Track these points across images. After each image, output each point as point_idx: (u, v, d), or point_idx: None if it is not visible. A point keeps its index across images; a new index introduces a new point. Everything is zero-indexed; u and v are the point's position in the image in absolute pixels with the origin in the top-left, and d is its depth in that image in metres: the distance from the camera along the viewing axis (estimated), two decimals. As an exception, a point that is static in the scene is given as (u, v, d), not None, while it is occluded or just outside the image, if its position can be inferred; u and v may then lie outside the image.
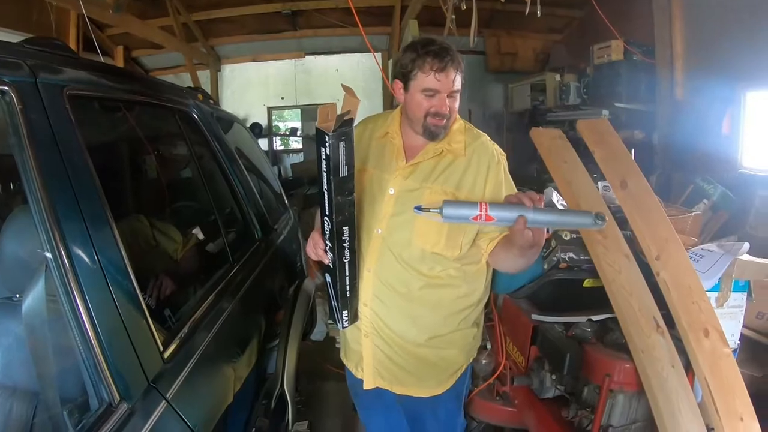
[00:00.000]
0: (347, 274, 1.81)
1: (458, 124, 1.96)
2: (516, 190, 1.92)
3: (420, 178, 1.91)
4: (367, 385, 2.08)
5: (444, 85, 1.79)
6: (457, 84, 1.81)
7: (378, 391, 2.08)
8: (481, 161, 1.91)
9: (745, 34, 4.53)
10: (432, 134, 1.87)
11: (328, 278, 1.86)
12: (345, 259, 1.77)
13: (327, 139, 1.54)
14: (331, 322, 4.70)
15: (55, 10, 5.79)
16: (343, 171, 1.61)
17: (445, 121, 1.84)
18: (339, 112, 1.59)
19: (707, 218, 3.66)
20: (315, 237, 1.84)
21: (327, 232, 1.74)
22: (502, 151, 2.02)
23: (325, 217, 1.70)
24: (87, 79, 1.65)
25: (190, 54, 8.28)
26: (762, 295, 2.94)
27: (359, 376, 2.12)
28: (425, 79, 1.79)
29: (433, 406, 2.12)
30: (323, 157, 1.58)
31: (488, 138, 2.01)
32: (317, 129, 1.58)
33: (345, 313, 1.91)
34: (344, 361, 2.24)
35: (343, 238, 1.72)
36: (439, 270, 1.92)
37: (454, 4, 4.85)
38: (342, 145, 1.57)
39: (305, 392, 3.53)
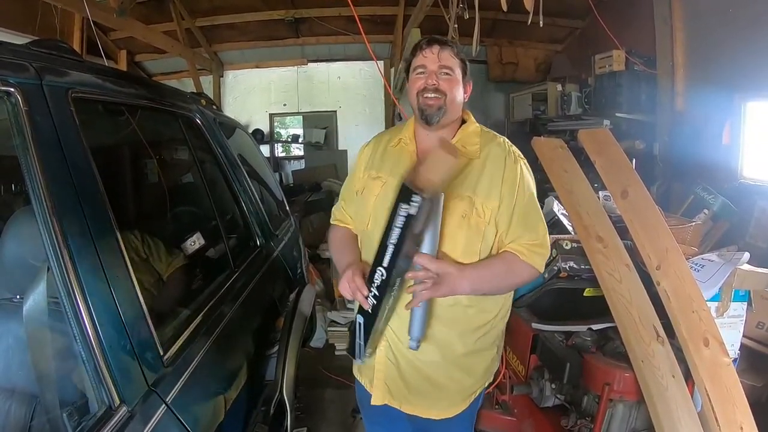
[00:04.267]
0: (384, 316, 1.78)
1: (474, 126, 1.96)
2: (534, 197, 1.91)
3: None
4: (375, 401, 2.02)
5: (430, 60, 1.83)
6: (445, 59, 1.83)
7: (386, 407, 2.02)
8: (497, 162, 1.86)
9: (745, 45, 4.54)
10: (426, 116, 1.85)
11: (360, 319, 1.79)
12: (387, 305, 1.73)
13: (416, 203, 1.49)
14: (342, 349, 4.70)
15: (60, 13, 5.81)
16: (417, 230, 1.57)
17: (437, 100, 1.82)
18: (437, 171, 1.54)
19: (708, 228, 3.66)
20: (357, 281, 1.74)
21: (377, 281, 1.67)
22: (520, 153, 1.95)
23: (380, 268, 1.64)
24: (92, 82, 1.66)
25: (193, 59, 8.29)
26: (762, 305, 2.95)
27: (369, 391, 2.05)
28: (416, 59, 1.87)
29: (443, 428, 2.03)
30: (402, 214, 1.52)
31: (506, 140, 1.96)
32: (403, 187, 1.53)
33: (369, 350, 1.87)
34: (357, 375, 2.16)
35: (393, 288, 1.68)
36: None
37: (457, 13, 4.86)
38: (427, 207, 1.52)
39: (304, 399, 3.53)
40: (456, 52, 1.85)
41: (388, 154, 2.01)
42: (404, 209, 1.51)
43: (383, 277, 1.65)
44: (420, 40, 1.89)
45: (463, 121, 1.99)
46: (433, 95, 1.83)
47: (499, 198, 1.82)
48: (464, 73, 1.88)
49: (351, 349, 1.87)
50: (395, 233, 1.56)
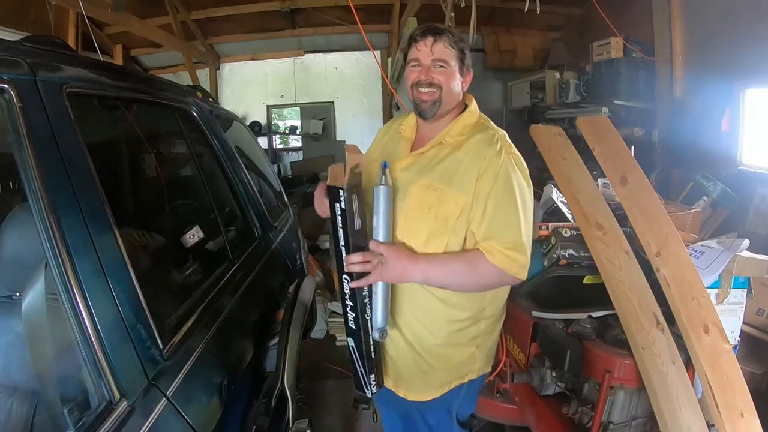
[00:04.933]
0: (371, 332, 1.78)
1: (470, 119, 1.92)
2: (516, 194, 1.78)
3: (416, 169, 1.88)
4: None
5: (424, 54, 1.82)
6: (439, 53, 1.81)
7: (383, 398, 2.10)
8: (477, 155, 1.79)
9: (744, 31, 4.53)
10: (420, 110, 1.88)
11: (351, 342, 1.79)
12: (367, 316, 1.74)
13: (341, 194, 1.59)
14: (342, 340, 4.69)
15: (54, 9, 5.78)
16: (358, 224, 1.66)
17: (431, 95, 1.83)
18: (347, 169, 1.64)
19: (707, 215, 3.66)
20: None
21: (347, 292, 1.69)
22: (511, 147, 1.87)
23: (344, 277, 1.68)
24: (86, 77, 1.66)
25: (189, 53, 8.27)
26: (762, 292, 2.95)
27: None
28: (411, 51, 1.86)
29: (421, 411, 2.06)
30: (338, 212, 1.61)
31: (499, 134, 1.88)
32: (329, 187, 1.62)
33: (372, 377, 1.83)
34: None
35: (364, 294, 1.70)
36: None
37: (453, 1, 4.84)
38: (355, 198, 1.63)
39: (306, 390, 3.53)
40: (453, 42, 1.81)
41: (390, 142, 2.07)
42: (337, 207, 1.61)
43: (349, 284, 1.68)
44: (415, 30, 1.86)
45: (465, 107, 1.96)
46: (427, 89, 1.83)
47: (473, 193, 1.76)
48: (462, 62, 1.85)
49: (357, 382, 1.86)
50: (341, 234, 1.65)
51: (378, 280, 1.70)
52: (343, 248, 1.66)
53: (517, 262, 1.76)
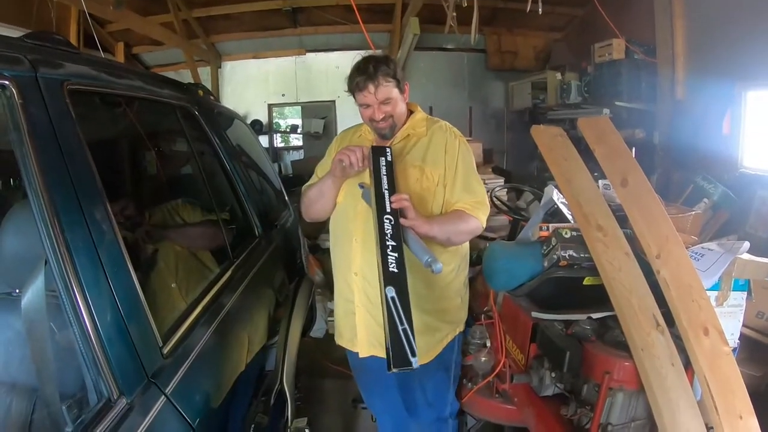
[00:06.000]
0: (407, 281, 1.86)
1: (421, 115, 2.40)
2: (472, 166, 2.34)
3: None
4: (363, 353, 2.32)
5: (370, 99, 2.18)
6: (382, 95, 2.16)
7: (377, 370, 2.21)
8: (439, 138, 2.31)
9: (745, 34, 4.54)
10: (382, 135, 2.30)
11: (392, 293, 1.79)
12: (404, 258, 1.88)
13: (388, 151, 2.13)
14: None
15: (56, 6, 5.78)
16: (392, 171, 2.09)
17: (386, 122, 2.24)
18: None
19: (708, 217, 3.67)
20: (364, 149, 2.15)
21: (389, 231, 1.91)
22: (460, 133, 2.40)
23: (386, 216, 1.94)
24: (87, 74, 1.66)
25: (191, 51, 8.27)
26: (762, 295, 2.95)
27: (355, 349, 2.37)
28: (356, 96, 2.22)
29: (420, 376, 2.29)
30: (383, 164, 2.08)
31: (447, 123, 2.41)
32: (376, 147, 2.16)
33: (414, 340, 1.74)
34: (339, 342, 2.49)
35: (400, 233, 1.93)
36: None
37: (456, 1, 4.84)
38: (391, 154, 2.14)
39: (305, 389, 3.53)
40: (388, 73, 2.15)
41: (357, 143, 2.32)
42: (383, 160, 2.09)
43: (392, 224, 1.93)
44: (354, 69, 2.20)
45: (411, 112, 2.38)
46: (382, 122, 2.23)
47: (444, 166, 2.26)
48: (399, 83, 2.21)
49: (397, 354, 1.71)
50: (385, 180, 2.03)
51: (417, 222, 2.00)
52: (386, 191, 2.00)
53: (484, 214, 2.28)
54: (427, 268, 1.81)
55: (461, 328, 2.53)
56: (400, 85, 2.22)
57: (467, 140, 2.47)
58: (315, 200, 2.39)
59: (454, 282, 2.41)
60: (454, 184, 2.26)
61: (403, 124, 2.34)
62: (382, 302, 1.79)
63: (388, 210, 1.95)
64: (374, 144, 2.31)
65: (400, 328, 1.74)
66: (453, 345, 2.46)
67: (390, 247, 1.87)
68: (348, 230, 2.28)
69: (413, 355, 1.70)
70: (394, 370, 1.69)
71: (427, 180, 2.24)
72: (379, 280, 1.86)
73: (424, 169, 2.25)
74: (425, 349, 2.27)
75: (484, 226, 2.30)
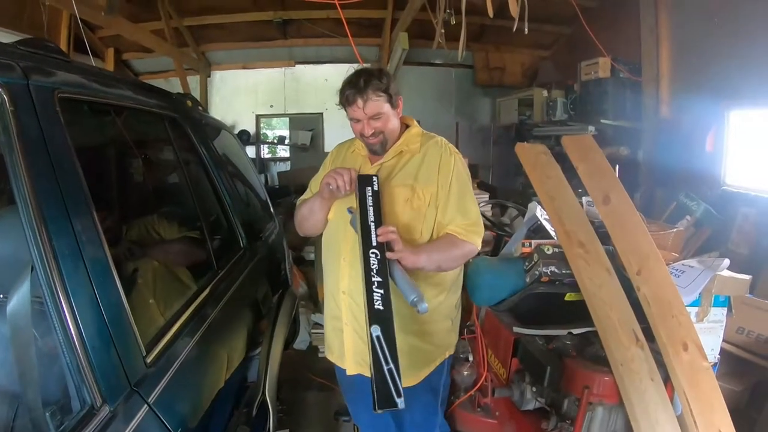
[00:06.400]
0: (393, 317, 1.81)
1: (416, 129, 2.31)
2: (468, 185, 2.25)
3: (383, 176, 2.19)
4: (350, 371, 2.24)
5: (359, 114, 2.12)
6: (371, 109, 2.10)
7: (363, 388, 2.04)
8: (433, 156, 2.21)
9: (729, 54, 4.62)
10: (373, 151, 2.25)
11: (377, 331, 1.75)
12: (390, 294, 1.84)
13: (375, 180, 2.05)
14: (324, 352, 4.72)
15: (48, 10, 5.76)
16: (378, 201, 2.02)
17: (376, 138, 2.17)
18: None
19: (690, 234, 3.72)
20: (352, 173, 2.08)
21: (376, 266, 1.86)
22: (456, 150, 2.29)
23: (372, 251, 1.89)
24: (78, 83, 1.66)
25: (181, 59, 8.26)
26: (742, 310, 2.99)
27: (343, 366, 2.28)
28: (347, 110, 2.16)
29: (407, 398, 2.09)
30: (369, 194, 2.01)
31: (443, 139, 2.31)
32: (363, 175, 2.07)
33: (400, 380, 1.72)
34: (329, 357, 2.41)
35: (386, 268, 1.87)
36: None
37: (444, 18, 4.89)
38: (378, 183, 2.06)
39: (287, 401, 3.53)
40: (378, 87, 2.09)
41: (347, 159, 2.36)
42: (369, 189, 2.02)
43: (378, 258, 1.87)
44: (345, 83, 2.15)
45: (407, 126, 2.32)
46: (372, 138, 2.16)
47: (437, 185, 2.16)
48: (391, 98, 2.14)
49: (382, 395, 1.68)
50: (371, 212, 1.97)
51: (404, 254, 1.92)
52: (372, 224, 1.94)
53: (479, 236, 2.19)
54: (413, 307, 1.74)
55: (451, 351, 2.40)
56: (392, 100, 2.14)
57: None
58: (306, 217, 2.35)
59: (444, 305, 2.28)
60: (447, 204, 2.15)
61: (398, 139, 2.25)
62: (367, 340, 1.76)
63: (374, 244, 1.89)
64: (367, 158, 2.29)
65: (385, 368, 1.71)
66: (442, 368, 2.34)
67: (375, 283, 1.82)
68: (337, 249, 2.21)
69: (399, 395, 1.68)
70: (380, 411, 1.67)
71: (418, 200, 2.15)
72: (364, 316, 1.82)
73: (415, 188, 2.15)
74: (412, 372, 2.19)
75: (480, 248, 2.21)
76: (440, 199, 2.15)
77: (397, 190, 2.16)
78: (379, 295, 1.81)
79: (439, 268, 2.13)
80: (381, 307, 1.79)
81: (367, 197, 1.99)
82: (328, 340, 2.40)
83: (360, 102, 2.08)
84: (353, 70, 2.20)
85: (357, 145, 2.35)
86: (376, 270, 1.84)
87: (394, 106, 2.17)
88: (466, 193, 2.21)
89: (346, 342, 2.23)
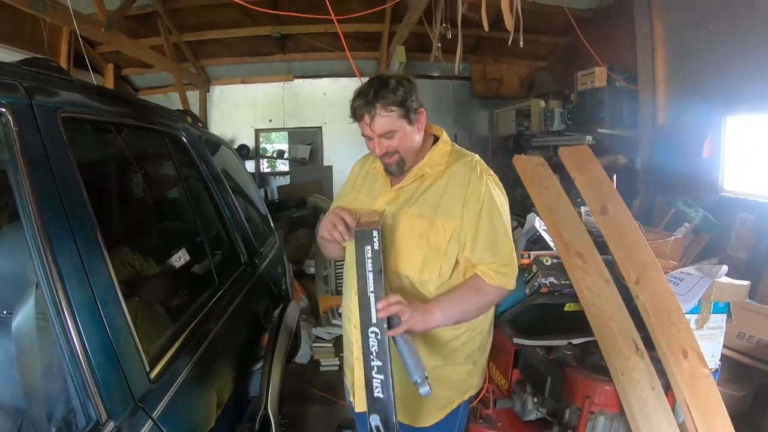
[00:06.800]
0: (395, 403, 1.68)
1: (444, 147, 1.99)
2: (501, 215, 1.89)
3: (401, 202, 1.93)
4: (357, 408, 2.00)
5: (369, 131, 1.84)
6: (380, 127, 1.82)
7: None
8: (459, 181, 1.89)
9: (724, 60, 4.65)
10: (388, 171, 1.96)
11: (375, 421, 1.67)
12: (393, 379, 1.66)
13: (375, 235, 1.64)
14: (327, 365, 4.67)
15: (48, 27, 5.82)
16: (379, 265, 1.66)
17: (392, 158, 1.89)
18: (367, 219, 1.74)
19: (689, 241, 3.73)
20: (347, 218, 1.83)
21: (375, 347, 1.65)
22: (490, 171, 1.97)
23: (372, 330, 1.65)
24: (80, 102, 1.68)
25: (180, 74, 8.30)
26: (742, 316, 3.00)
27: (351, 399, 2.10)
28: (359, 125, 1.88)
29: None
30: (368, 255, 1.64)
31: (476, 158, 1.98)
32: (360, 231, 1.68)
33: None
34: (346, 382, 2.24)
35: (388, 349, 1.66)
36: (422, 295, 1.90)
37: (441, 32, 4.94)
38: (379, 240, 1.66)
39: (289, 415, 3.52)
40: (390, 102, 1.80)
41: (369, 176, 2.11)
42: (368, 249, 1.64)
43: (378, 338, 1.63)
44: (354, 99, 1.86)
45: (437, 138, 2.04)
46: (386, 158, 1.90)
47: (461, 217, 1.85)
48: (408, 112, 1.83)
49: None
50: (370, 279, 1.64)
51: (410, 326, 1.69)
52: (372, 294, 1.64)
53: (512, 276, 1.89)
54: (414, 386, 1.61)
55: (472, 392, 2.11)
56: (409, 114, 1.83)
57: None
58: (323, 245, 2.16)
59: (465, 347, 2.01)
60: (475, 241, 1.85)
61: (422, 157, 1.96)
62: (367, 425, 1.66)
63: (373, 321, 1.63)
64: (387, 178, 2.01)
65: None
66: (458, 411, 2.08)
67: (375, 368, 1.64)
68: (348, 280, 2.02)
69: None
70: None
71: (436, 234, 1.85)
72: (365, 401, 1.71)
73: (434, 220, 1.86)
74: (426, 413, 2.00)
75: (513, 288, 1.92)
76: (466, 233, 1.86)
77: (413, 222, 1.88)
78: (379, 381, 1.64)
79: (458, 322, 1.89)
80: (381, 395, 1.64)
81: (366, 259, 1.64)
82: (345, 368, 2.24)
83: (367, 118, 1.81)
84: (367, 79, 1.91)
85: (378, 162, 2.03)
86: (376, 353, 1.63)
87: (412, 121, 1.85)
88: (498, 226, 1.87)
89: (356, 379, 1.99)
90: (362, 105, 1.81)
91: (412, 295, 1.88)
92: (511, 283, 1.89)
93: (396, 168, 1.92)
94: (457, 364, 2.00)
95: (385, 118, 1.80)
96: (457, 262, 1.90)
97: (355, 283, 1.74)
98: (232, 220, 2.86)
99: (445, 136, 2.03)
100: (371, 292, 1.64)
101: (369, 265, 1.63)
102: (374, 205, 1.97)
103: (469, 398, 2.11)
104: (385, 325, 1.63)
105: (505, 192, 1.98)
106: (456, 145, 2.05)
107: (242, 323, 2.51)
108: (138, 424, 1.35)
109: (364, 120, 1.82)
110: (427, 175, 1.93)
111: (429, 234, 1.86)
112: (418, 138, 1.91)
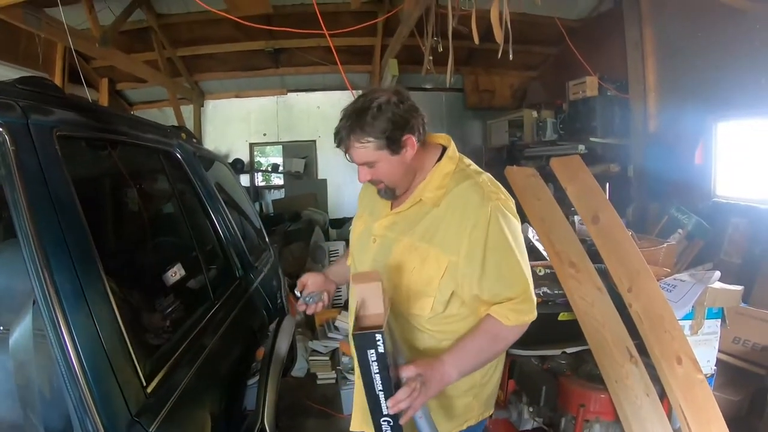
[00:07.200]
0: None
1: (447, 167, 1.76)
2: (511, 244, 1.65)
3: (399, 228, 1.78)
4: (353, 427, 1.96)
5: (350, 158, 1.72)
6: (358, 158, 1.68)
7: None
8: (458, 209, 1.67)
9: (714, 68, 4.70)
10: (381, 196, 1.82)
11: None
12: None
13: (378, 338, 1.38)
14: (324, 378, 4.65)
15: (43, 42, 5.84)
16: (390, 362, 1.46)
17: (380, 185, 1.76)
18: (380, 306, 1.48)
19: (682, 247, 3.75)
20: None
21: (391, 426, 1.49)
22: (499, 192, 1.73)
23: (384, 420, 1.48)
24: (76, 121, 1.70)
25: (174, 89, 8.31)
26: (737, 321, 3.02)
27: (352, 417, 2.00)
28: None
29: None
30: (373, 359, 1.40)
31: (484, 180, 1.74)
32: (360, 334, 1.40)
33: None
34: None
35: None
36: (413, 327, 1.78)
37: (432, 45, 4.97)
38: (388, 337, 1.44)
39: (286, 428, 3.52)
40: (364, 135, 1.63)
41: (374, 194, 1.87)
42: (372, 354, 1.40)
43: (392, 425, 1.49)
44: (337, 125, 1.69)
45: (444, 148, 1.82)
46: (374, 184, 1.79)
47: (458, 252, 1.65)
48: (389, 141, 1.64)
49: None
50: (378, 380, 1.44)
51: (425, 401, 1.53)
52: (381, 393, 1.45)
53: (530, 311, 1.70)
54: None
55: (471, 422, 1.91)
56: (391, 145, 1.63)
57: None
58: None
59: (463, 381, 1.75)
60: (482, 275, 1.64)
61: (425, 177, 1.77)
62: None
63: (385, 413, 1.47)
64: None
65: None
66: None
67: None
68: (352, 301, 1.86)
69: None
70: None
71: (429, 269, 1.68)
72: None
73: (429, 253, 1.68)
74: None
75: (534, 317, 1.72)
76: (468, 268, 1.65)
77: (406, 253, 1.72)
78: None
79: (475, 369, 1.73)
80: None
81: (371, 362, 1.41)
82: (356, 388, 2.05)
83: (343, 147, 1.69)
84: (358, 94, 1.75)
85: None
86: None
87: (394, 151, 1.65)
88: (510, 259, 1.65)
89: (355, 397, 1.97)
90: (336, 133, 1.68)
91: (406, 323, 1.77)
92: (531, 316, 1.70)
93: (386, 194, 1.78)
94: (454, 397, 1.84)
95: (361, 150, 1.66)
96: (454, 294, 1.72)
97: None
98: (226, 235, 2.87)
99: (451, 149, 1.80)
100: (380, 390, 1.45)
101: (375, 367, 1.41)
102: (372, 229, 1.86)
103: (468, 428, 1.92)
104: (398, 416, 1.49)
105: (517, 215, 1.75)
106: (465, 159, 1.83)
107: (238, 337, 2.52)
108: (135, 438, 1.36)
109: (344, 150, 1.70)
110: (425, 201, 1.73)
111: (421, 268, 1.69)
112: (403, 167, 1.72)
